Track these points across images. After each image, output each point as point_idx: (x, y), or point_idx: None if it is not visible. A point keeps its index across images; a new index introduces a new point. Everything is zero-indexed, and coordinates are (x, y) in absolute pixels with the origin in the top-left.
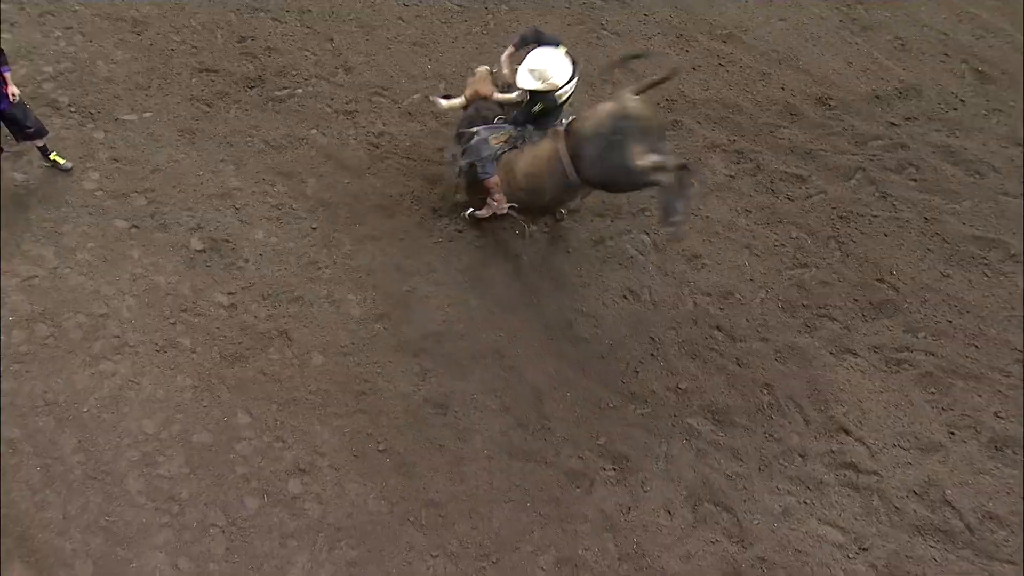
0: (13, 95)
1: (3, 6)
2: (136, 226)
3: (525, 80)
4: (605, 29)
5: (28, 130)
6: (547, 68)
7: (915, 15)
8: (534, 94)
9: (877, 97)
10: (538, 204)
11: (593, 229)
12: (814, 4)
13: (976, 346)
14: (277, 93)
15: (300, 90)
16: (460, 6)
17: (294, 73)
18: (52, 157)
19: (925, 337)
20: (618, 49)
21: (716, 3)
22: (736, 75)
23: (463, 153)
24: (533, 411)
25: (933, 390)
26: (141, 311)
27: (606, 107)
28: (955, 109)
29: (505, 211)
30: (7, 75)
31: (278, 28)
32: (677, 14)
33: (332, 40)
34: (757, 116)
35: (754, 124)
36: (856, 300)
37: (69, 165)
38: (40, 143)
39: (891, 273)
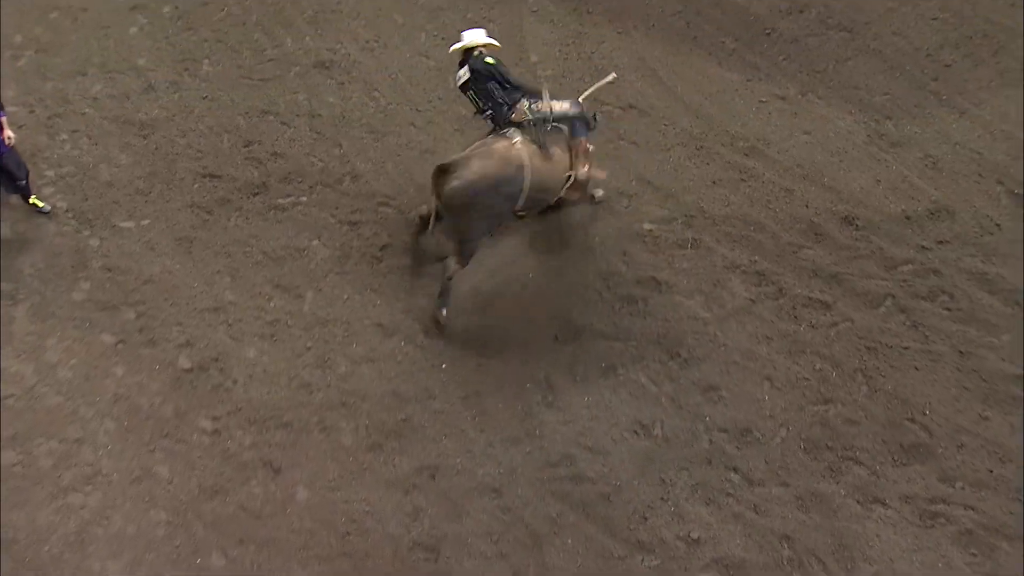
0: (9, 138)
1: (11, 108)
2: (123, 341)
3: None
4: (623, 139)
5: (20, 183)
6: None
7: (946, 132)
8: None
9: (907, 218)
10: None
11: (603, 355)
12: (840, 118)
13: (1021, 501)
14: (280, 201)
15: (304, 198)
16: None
17: (299, 180)
18: (32, 200)
19: (963, 488)
20: (637, 161)
21: (738, 114)
22: (758, 191)
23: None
24: (531, 559)
25: (974, 551)
26: (119, 436)
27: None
28: (991, 234)
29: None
30: (3, 119)
31: (286, 133)
32: (697, 124)
33: (341, 146)
34: (780, 235)
35: (776, 244)
36: (885, 442)
37: (48, 208)
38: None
39: (923, 412)
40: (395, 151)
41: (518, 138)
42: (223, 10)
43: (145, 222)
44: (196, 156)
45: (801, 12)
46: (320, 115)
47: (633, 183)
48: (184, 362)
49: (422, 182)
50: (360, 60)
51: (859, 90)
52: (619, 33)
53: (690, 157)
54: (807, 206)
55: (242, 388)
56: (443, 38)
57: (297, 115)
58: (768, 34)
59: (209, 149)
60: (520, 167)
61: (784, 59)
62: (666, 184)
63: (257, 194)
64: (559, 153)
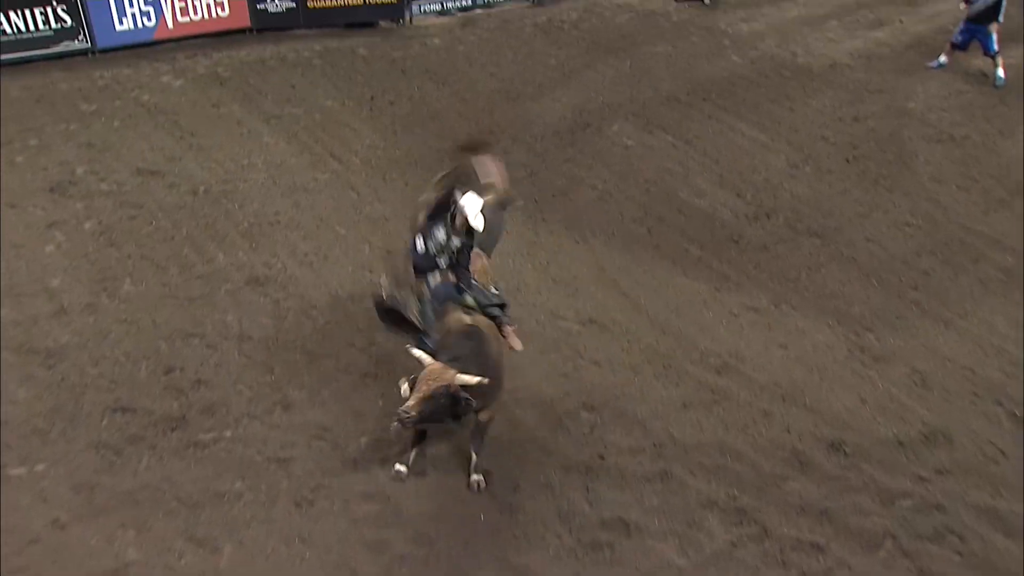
0: None
1: None
2: None
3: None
4: (583, 358)
5: None
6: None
7: (933, 346)
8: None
9: (900, 443)
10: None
11: None
12: (817, 330)
13: None
14: (201, 436)
15: (229, 432)
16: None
17: (224, 412)
18: None
19: None
20: (599, 382)
21: (707, 328)
22: (733, 414)
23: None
24: None
25: None
26: None
27: None
28: (996, 463)
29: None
30: None
31: (212, 357)
32: (664, 340)
33: (272, 371)
34: (760, 465)
35: (757, 475)
36: None
37: None
38: None
39: None
40: (332, 376)
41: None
42: (151, 223)
43: (40, 467)
44: (108, 387)
45: (768, 217)
46: (251, 337)
47: (594, 408)
48: None
49: (360, 409)
50: (297, 275)
51: (835, 299)
52: (576, 242)
53: (657, 377)
54: (788, 430)
55: None
56: (388, 250)
57: (225, 337)
58: (736, 241)
59: (124, 378)
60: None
61: (754, 267)
62: (631, 408)
63: (175, 429)
64: None
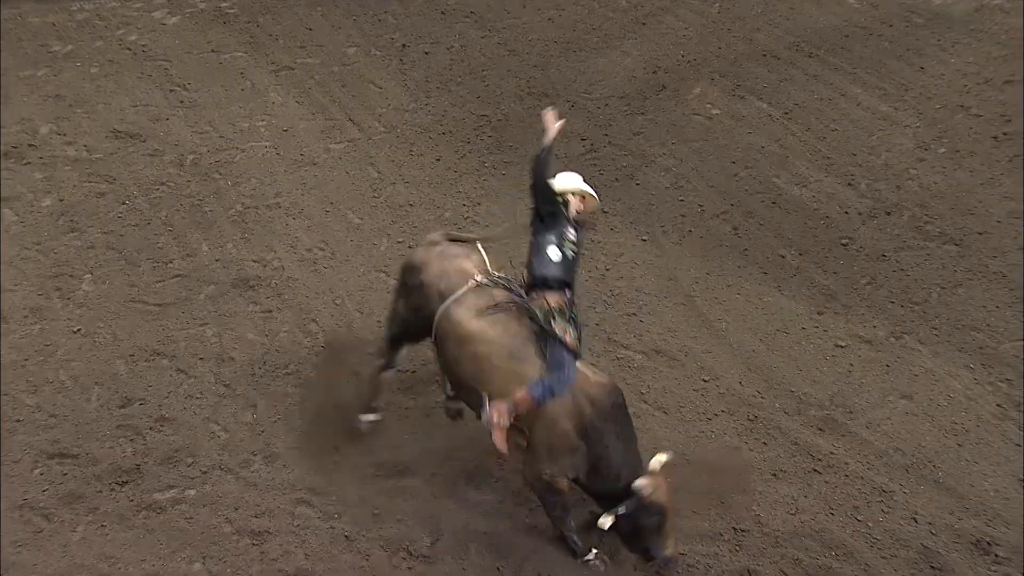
0: None
1: None
2: None
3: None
4: (646, 401)
5: None
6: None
7: None
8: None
9: None
10: None
11: None
12: (954, 375)
13: None
14: (157, 496)
15: (192, 491)
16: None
17: (189, 461)
18: None
19: None
20: (664, 436)
21: (807, 366)
22: (840, 490)
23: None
24: None
25: None
26: None
27: None
28: None
29: None
30: None
31: (182, 385)
32: (750, 380)
33: (255, 407)
34: (876, 569)
35: None
36: None
37: None
38: None
39: None
40: (329, 416)
41: None
42: (124, 203)
43: None
44: (45, 423)
45: (889, 215)
46: (232, 359)
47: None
48: None
49: (360, 465)
50: (296, 277)
51: (978, 332)
52: (643, 241)
53: (740, 432)
54: (915, 518)
55: None
56: (410, 246)
57: (201, 358)
58: (845, 246)
59: (67, 412)
60: None
61: (868, 283)
62: (705, 476)
63: (125, 484)
64: None
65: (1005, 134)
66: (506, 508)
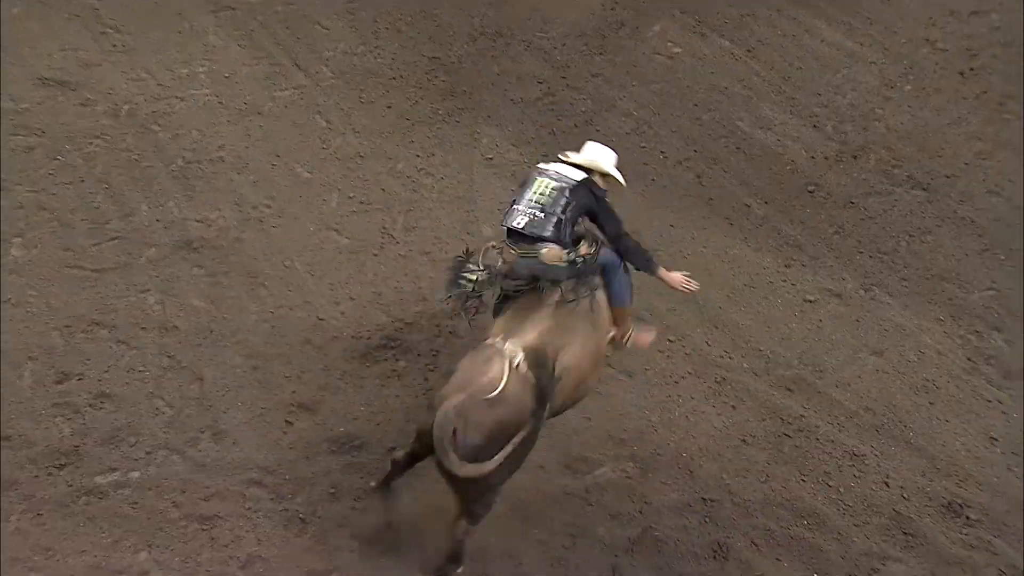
0: None
1: None
2: None
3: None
4: (608, 364)
5: None
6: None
7: None
8: None
9: None
10: None
11: None
12: (925, 329)
13: None
14: (98, 480)
15: (136, 473)
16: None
17: (132, 441)
18: None
19: None
20: (629, 402)
21: (775, 323)
22: (811, 455)
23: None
24: None
25: None
26: None
27: None
28: None
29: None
30: None
31: (123, 358)
32: (717, 340)
33: (202, 380)
34: (849, 536)
35: (845, 552)
36: None
37: None
38: None
39: None
40: (280, 387)
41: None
42: (55, 158)
43: None
44: None
45: (855, 159)
46: (176, 328)
47: (624, 441)
48: None
49: (314, 441)
50: (243, 237)
51: (947, 282)
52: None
53: (707, 395)
54: (887, 482)
55: None
56: (362, 201)
57: (142, 327)
58: (811, 192)
59: None
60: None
61: (836, 232)
62: (672, 442)
63: (63, 467)
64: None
65: (971, 69)
66: None
